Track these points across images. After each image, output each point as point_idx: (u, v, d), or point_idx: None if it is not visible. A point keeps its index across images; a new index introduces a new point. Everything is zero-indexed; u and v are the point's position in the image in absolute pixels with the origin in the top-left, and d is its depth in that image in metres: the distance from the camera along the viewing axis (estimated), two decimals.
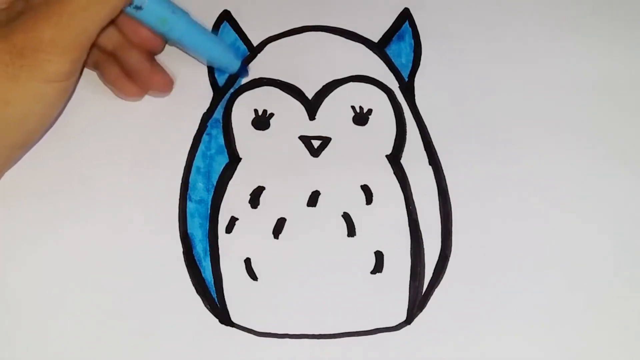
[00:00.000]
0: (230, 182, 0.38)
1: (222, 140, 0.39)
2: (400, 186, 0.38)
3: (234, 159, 0.38)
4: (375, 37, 0.42)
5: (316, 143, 0.39)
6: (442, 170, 0.38)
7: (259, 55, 0.41)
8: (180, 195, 0.37)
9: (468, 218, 0.37)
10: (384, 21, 0.42)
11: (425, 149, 0.39)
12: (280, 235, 0.37)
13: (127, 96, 0.39)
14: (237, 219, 0.37)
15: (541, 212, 0.37)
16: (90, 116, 0.39)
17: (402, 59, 0.41)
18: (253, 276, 0.36)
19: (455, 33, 0.42)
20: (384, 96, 0.40)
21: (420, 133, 0.39)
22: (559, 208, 0.37)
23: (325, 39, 0.42)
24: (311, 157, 0.38)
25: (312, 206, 0.37)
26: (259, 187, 0.38)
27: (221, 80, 0.40)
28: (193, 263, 0.36)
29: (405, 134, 0.39)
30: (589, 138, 0.39)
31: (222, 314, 0.35)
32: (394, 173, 0.38)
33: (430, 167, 0.38)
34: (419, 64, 0.41)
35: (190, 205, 0.37)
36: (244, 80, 0.40)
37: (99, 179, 0.38)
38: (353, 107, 0.40)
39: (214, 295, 0.35)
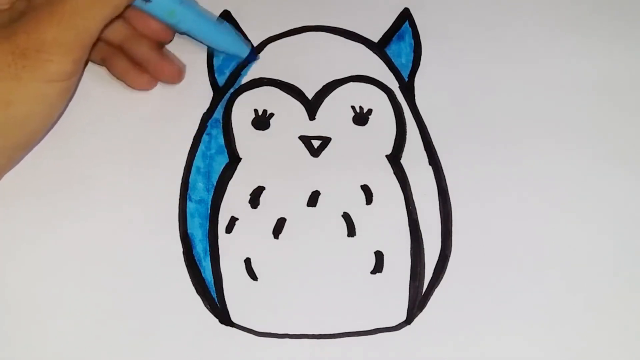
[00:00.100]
0: (230, 182, 0.38)
1: (222, 140, 0.39)
2: (400, 186, 0.38)
3: (234, 159, 0.38)
4: (375, 37, 0.42)
5: (316, 143, 0.39)
6: (442, 170, 0.38)
7: (259, 55, 0.41)
8: (180, 195, 0.37)
9: (468, 218, 0.37)
10: (384, 21, 0.42)
11: (425, 149, 0.39)
12: (280, 235, 0.36)
13: (138, 88, 0.39)
14: (237, 219, 0.37)
15: (541, 212, 0.37)
16: (90, 116, 0.39)
17: (402, 59, 0.41)
18: (253, 276, 0.36)
19: (455, 33, 0.42)
20: (384, 96, 0.40)
21: (420, 133, 0.39)
22: (559, 208, 0.37)
23: (325, 39, 0.42)
24: (311, 157, 0.38)
25: (312, 206, 0.37)
26: (259, 187, 0.38)
27: (221, 80, 0.40)
28: (193, 263, 0.36)
29: (405, 134, 0.39)
30: (589, 138, 0.39)
31: (222, 314, 0.35)
32: (394, 173, 0.38)
33: (430, 167, 0.38)
34: (419, 64, 0.41)
35: (190, 205, 0.37)
36: (244, 80, 0.40)
37: (99, 178, 0.38)
38: (353, 107, 0.40)
39: (214, 295, 0.35)
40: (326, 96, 0.40)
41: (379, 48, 0.41)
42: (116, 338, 0.34)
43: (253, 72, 0.41)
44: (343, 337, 0.35)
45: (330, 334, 0.35)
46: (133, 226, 0.37)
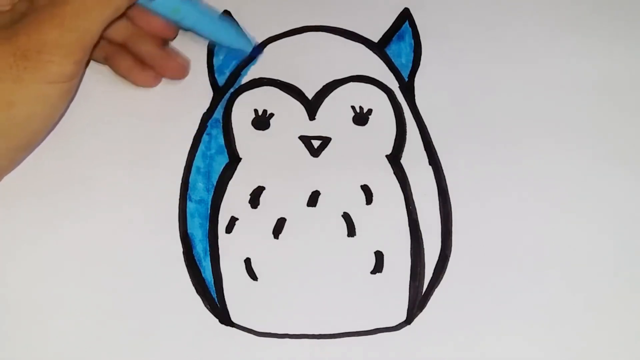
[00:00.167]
0: (230, 182, 0.38)
1: (222, 140, 0.39)
2: (400, 186, 0.38)
3: (234, 159, 0.38)
4: (375, 37, 0.42)
5: (316, 143, 0.39)
6: (442, 170, 0.38)
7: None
8: (180, 195, 0.37)
9: (468, 218, 0.37)
10: (384, 21, 0.42)
11: (425, 149, 0.39)
12: (280, 235, 0.37)
13: (143, 85, 0.39)
14: (237, 219, 0.37)
15: (541, 212, 0.37)
16: (90, 116, 0.39)
17: (402, 59, 0.41)
18: (253, 276, 0.36)
19: (455, 33, 0.42)
20: (384, 96, 0.40)
21: (420, 133, 0.39)
22: (559, 208, 0.37)
23: (325, 39, 0.42)
24: (311, 157, 0.38)
25: (312, 206, 0.37)
26: (259, 187, 0.38)
27: (221, 80, 0.40)
28: (193, 263, 0.36)
29: (405, 134, 0.39)
30: (589, 138, 0.39)
31: (222, 314, 0.35)
32: (394, 173, 0.38)
33: (430, 167, 0.38)
34: (419, 64, 0.41)
35: (190, 205, 0.37)
36: (244, 80, 0.40)
37: (99, 178, 0.38)
38: (353, 107, 0.40)
39: (214, 295, 0.35)
40: (326, 96, 0.40)
41: (379, 48, 0.41)
42: (116, 338, 0.34)
43: (253, 72, 0.41)
44: (343, 337, 0.35)
45: (330, 334, 0.35)
46: (133, 226, 0.37)
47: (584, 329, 0.35)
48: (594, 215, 0.37)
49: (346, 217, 0.37)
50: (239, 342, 0.35)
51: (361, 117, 0.39)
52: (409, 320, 0.35)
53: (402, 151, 0.39)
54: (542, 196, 0.38)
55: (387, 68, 0.41)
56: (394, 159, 0.38)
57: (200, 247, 0.36)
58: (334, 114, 0.39)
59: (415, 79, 0.41)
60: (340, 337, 0.35)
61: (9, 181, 0.37)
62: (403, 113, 0.40)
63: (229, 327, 0.35)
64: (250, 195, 0.37)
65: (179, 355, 0.34)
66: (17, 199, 0.37)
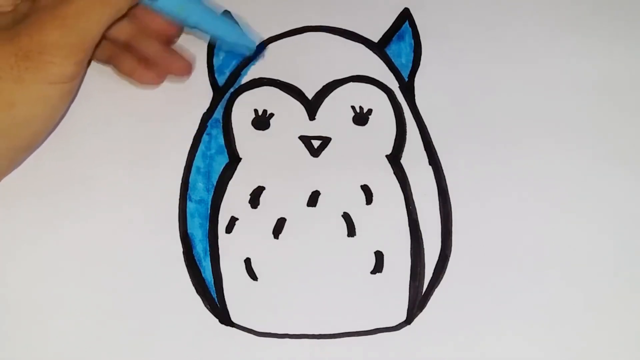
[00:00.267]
0: (230, 182, 0.38)
1: (222, 140, 0.39)
2: (400, 186, 0.38)
3: (234, 159, 0.38)
4: (375, 37, 0.42)
5: (316, 143, 0.39)
6: (442, 170, 0.38)
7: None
8: (180, 195, 0.37)
9: (468, 218, 0.37)
10: (384, 21, 0.42)
11: (425, 149, 0.39)
12: (280, 235, 0.37)
13: (146, 84, 0.39)
14: (237, 219, 0.37)
15: (541, 212, 0.37)
16: (90, 116, 0.39)
17: (402, 59, 0.41)
18: (253, 276, 0.36)
19: (455, 33, 0.42)
20: (384, 96, 0.40)
21: (420, 133, 0.39)
22: (559, 208, 0.37)
23: (325, 39, 0.42)
24: (311, 157, 0.38)
25: (312, 206, 0.37)
26: (259, 187, 0.38)
27: (221, 80, 0.40)
28: (193, 263, 0.36)
29: (405, 134, 0.39)
30: (589, 138, 0.39)
31: (222, 314, 0.35)
32: (394, 173, 0.38)
33: (430, 167, 0.38)
34: (419, 64, 0.41)
35: (190, 205, 0.37)
36: (244, 80, 0.40)
37: (99, 179, 0.38)
38: (353, 107, 0.40)
39: (214, 295, 0.35)
40: (326, 96, 0.40)
41: (379, 48, 0.41)
42: (116, 338, 0.34)
43: (253, 72, 0.41)
44: (343, 337, 0.35)
45: (330, 334, 0.35)
46: (133, 226, 0.37)
47: (584, 329, 0.35)
48: (594, 215, 0.37)
49: (346, 217, 0.37)
50: (239, 342, 0.35)
51: (361, 117, 0.39)
52: (409, 320, 0.35)
53: (402, 151, 0.39)
54: (542, 196, 0.38)
55: (387, 68, 0.41)
56: (394, 159, 0.38)
57: (200, 247, 0.36)
58: (334, 114, 0.39)
59: (415, 79, 0.41)
60: (340, 337, 0.35)
61: (9, 181, 0.37)
62: (403, 113, 0.40)
63: (229, 327, 0.35)
64: (250, 195, 0.37)
65: (179, 355, 0.34)
66: (17, 199, 0.37)
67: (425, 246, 0.36)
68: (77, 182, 0.38)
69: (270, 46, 0.41)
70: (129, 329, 0.35)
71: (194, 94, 0.40)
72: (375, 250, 0.36)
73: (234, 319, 0.35)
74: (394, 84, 0.40)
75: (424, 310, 0.35)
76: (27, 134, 0.36)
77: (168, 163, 0.38)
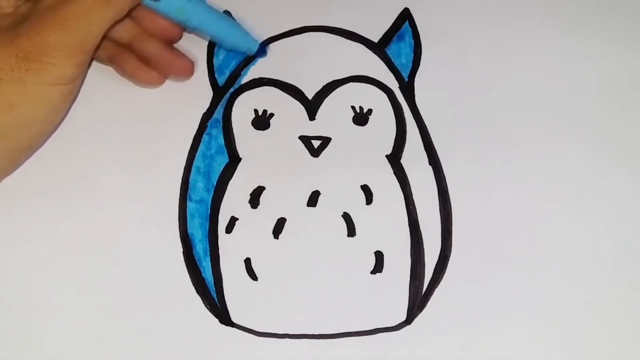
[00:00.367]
0: (230, 182, 0.38)
1: (222, 140, 0.39)
2: (400, 186, 0.38)
3: (234, 159, 0.38)
4: (375, 37, 0.42)
5: (316, 143, 0.39)
6: (442, 170, 0.38)
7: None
8: (180, 195, 0.37)
9: (468, 218, 0.37)
10: (384, 21, 0.42)
11: (425, 149, 0.39)
12: (280, 235, 0.37)
13: (148, 84, 0.39)
14: (237, 219, 0.37)
15: (541, 212, 0.37)
16: (90, 116, 0.39)
17: (402, 59, 0.41)
18: (253, 276, 0.36)
19: (455, 33, 0.42)
20: (384, 96, 0.40)
21: (420, 133, 0.39)
22: (559, 208, 0.37)
23: (325, 39, 0.42)
24: (311, 157, 0.38)
25: (312, 206, 0.37)
26: (259, 187, 0.38)
27: (221, 80, 0.40)
28: (193, 263, 0.36)
29: (405, 134, 0.39)
30: (589, 138, 0.39)
31: (222, 314, 0.35)
32: (394, 173, 0.38)
33: (430, 167, 0.38)
34: (419, 64, 0.41)
35: (190, 205, 0.37)
36: (244, 80, 0.40)
37: (99, 178, 0.38)
38: (353, 107, 0.40)
39: (214, 295, 0.35)
40: (326, 96, 0.40)
41: (379, 48, 0.41)
42: (116, 338, 0.34)
43: (253, 72, 0.41)
44: (343, 337, 0.35)
45: (330, 334, 0.35)
46: (133, 226, 0.37)
47: (584, 328, 0.35)
48: (594, 215, 0.37)
49: (346, 217, 0.37)
50: (239, 342, 0.35)
51: (361, 117, 0.39)
52: (409, 320, 0.35)
53: (402, 151, 0.39)
54: (542, 196, 0.38)
55: (387, 68, 0.41)
56: (394, 159, 0.38)
57: (200, 247, 0.36)
58: (334, 114, 0.39)
59: (415, 79, 0.41)
60: (340, 337, 0.35)
61: (9, 181, 0.37)
62: (403, 113, 0.40)
63: (229, 327, 0.35)
64: (250, 195, 0.37)
65: (179, 355, 0.34)
66: (17, 199, 0.37)
67: (425, 246, 0.36)
68: (77, 182, 0.38)
69: (270, 46, 0.41)
70: (129, 329, 0.35)
71: (194, 94, 0.40)
72: (375, 250, 0.36)
73: (234, 319, 0.35)
74: (394, 84, 0.40)
75: (424, 310, 0.35)
76: (28, 135, 0.36)
77: (168, 163, 0.38)
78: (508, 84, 0.40)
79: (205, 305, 0.35)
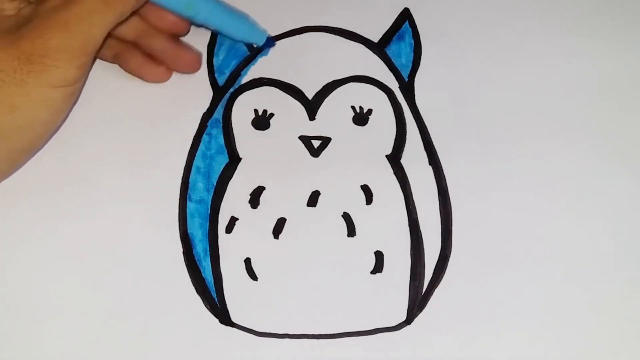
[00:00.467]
0: (230, 182, 0.38)
1: (222, 140, 0.39)
2: (400, 186, 0.38)
3: (234, 159, 0.38)
4: (375, 37, 0.42)
5: (316, 143, 0.39)
6: (442, 170, 0.38)
7: (259, 55, 0.41)
8: (180, 195, 0.37)
9: (468, 218, 0.37)
10: (384, 21, 0.42)
11: (425, 149, 0.39)
12: (280, 235, 0.37)
13: (154, 80, 0.39)
14: (237, 219, 0.37)
15: (541, 212, 0.37)
16: (90, 116, 0.39)
17: (402, 59, 0.41)
18: (253, 276, 0.36)
19: (455, 33, 0.42)
20: (384, 96, 0.40)
21: (420, 133, 0.39)
22: (559, 208, 0.37)
23: (325, 39, 0.42)
24: (311, 157, 0.38)
25: (312, 206, 0.37)
26: (259, 187, 0.38)
27: (221, 80, 0.40)
28: (193, 263, 0.36)
29: (405, 134, 0.39)
30: (589, 138, 0.39)
31: (222, 314, 0.35)
32: (394, 173, 0.38)
33: (430, 167, 0.38)
34: (419, 64, 0.41)
35: (190, 205, 0.37)
36: (244, 80, 0.40)
37: (99, 179, 0.38)
38: (353, 107, 0.40)
39: (214, 295, 0.35)
40: (326, 96, 0.40)
41: (379, 48, 0.41)
42: (116, 338, 0.34)
43: (253, 72, 0.41)
44: (343, 337, 0.35)
45: (330, 334, 0.35)
46: (133, 226, 0.37)
47: (584, 328, 0.35)
48: (594, 215, 0.37)
49: (346, 217, 0.37)
50: (239, 342, 0.35)
51: (361, 117, 0.39)
52: (409, 320, 0.35)
53: (402, 151, 0.39)
54: (542, 196, 0.38)
55: (387, 68, 0.41)
56: (394, 159, 0.38)
57: (200, 247, 0.36)
58: (334, 114, 0.39)
59: (415, 79, 0.41)
60: (340, 337, 0.35)
61: (9, 181, 0.37)
62: (403, 113, 0.40)
63: (229, 327, 0.35)
64: (250, 195, 0.37)
65: (179, 355, 0.34)
66: (17, 199, 0.37)
67: (425, 246, 0.36)
68: (77, 182, 0.38)
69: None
70: (129, 329, 0.35)
71: (194, 94, 0.40)
72: (375, 250, 0.36)
73: (234, 319, 0.35)
74: (394, 84, 0.40)
75: (424, 310, 0.35)
76: (29, 136, 0.36)
77: (168, 163, 0.38)
78: (508, 84, 0.40)
79: (205, 305, 0.35)
